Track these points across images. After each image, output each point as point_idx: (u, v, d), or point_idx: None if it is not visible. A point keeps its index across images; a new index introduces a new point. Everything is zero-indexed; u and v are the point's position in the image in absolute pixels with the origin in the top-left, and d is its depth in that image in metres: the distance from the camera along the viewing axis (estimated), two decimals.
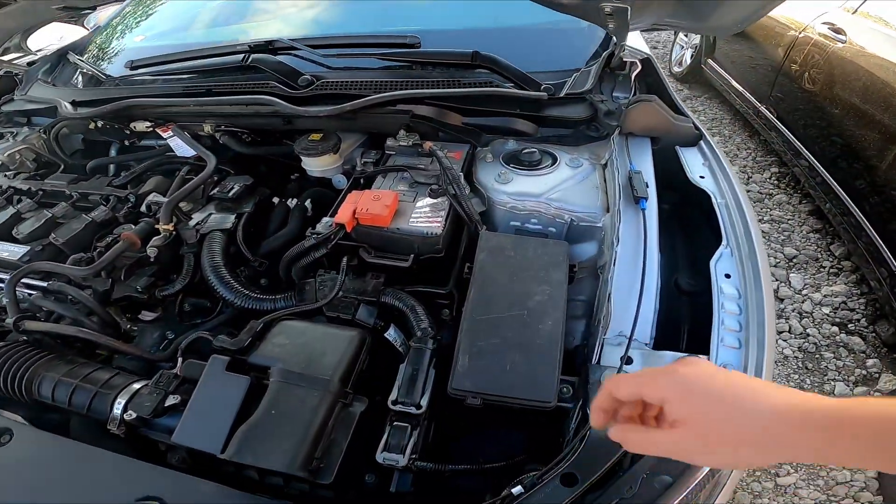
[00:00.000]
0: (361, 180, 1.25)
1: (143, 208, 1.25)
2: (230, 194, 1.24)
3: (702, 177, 1.27)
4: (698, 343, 0.93)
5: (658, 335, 0.91)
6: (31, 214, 1.25)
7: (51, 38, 2.30)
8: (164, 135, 1.48)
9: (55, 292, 1.07)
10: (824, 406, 0.46)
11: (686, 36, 4.79)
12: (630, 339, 0.89)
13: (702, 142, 1.38)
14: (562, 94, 1.39)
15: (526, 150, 1.27)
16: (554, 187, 1.20)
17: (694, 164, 1.31)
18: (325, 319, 1.05)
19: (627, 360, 0.87)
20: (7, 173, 1.48)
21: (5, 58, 1.94)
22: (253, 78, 1.45)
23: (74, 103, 1.57)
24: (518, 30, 1.74)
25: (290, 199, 1.30)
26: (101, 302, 1.07)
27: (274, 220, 1.27)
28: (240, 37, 1.81)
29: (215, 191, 1.26)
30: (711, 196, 1.21)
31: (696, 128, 1.37)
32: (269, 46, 1.45)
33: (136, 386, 0.94)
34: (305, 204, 1.27)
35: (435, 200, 1.15)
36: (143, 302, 1.12)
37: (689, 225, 1.36)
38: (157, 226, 1.14)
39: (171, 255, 1.16)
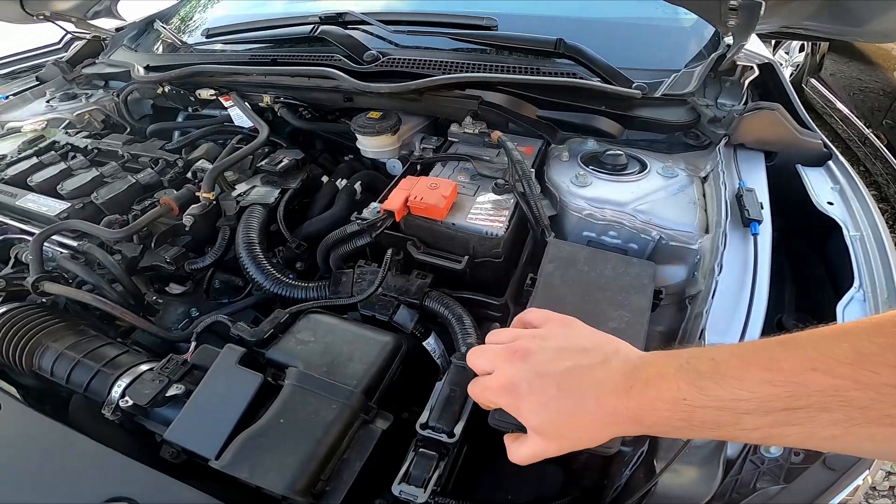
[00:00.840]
0: (418, 166, 1.11)
1: (189, 175, 1.18)
2: (278, 167, 1.14)
3: (830, 203, 1.04)
4: None
5: None
6: (80, 171, 1.22)
7: (142, 5, 2.35)
8: (226, 104, 1.43)
9: (83, 254, 1.01)
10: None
11: (787, 53, 4.35)
12: None
13: (831, 162, 1.14)
14: (658, 94, 1.20)
15: (610, 152, 1.09)
16: (642, 197, 1.01)
17: (820, 188, 1.09)
18: (359, 317, 0.92)
19: None
20: (70, 131, 1.49)
21: (94, 22, 2.00)
22: (319, 51, 1.36)
23: (147, 68, 1.57)
24: (607, 22, 1.56)
25: (339, 180, 1.19)
26: (127, 269, 0.99)
27: (320, 201, 1.16)
28: (313, 10, 1.75)
29: (263, 163, 1.17)
30: (843, 227, 0.98)
31: (826, 146, 1.14)
32: (339, 19, 1.36)
33: (143, 368, 0.84)
34: (355, 186, 1.15)
35: (499, 197, 0.99)
36: (170, 274, 1.04)
37: (798, 258, 1.14)
38: (197, 193, 1.06)
39: (208, 226, 1.08)
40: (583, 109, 1.22)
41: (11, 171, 1.24)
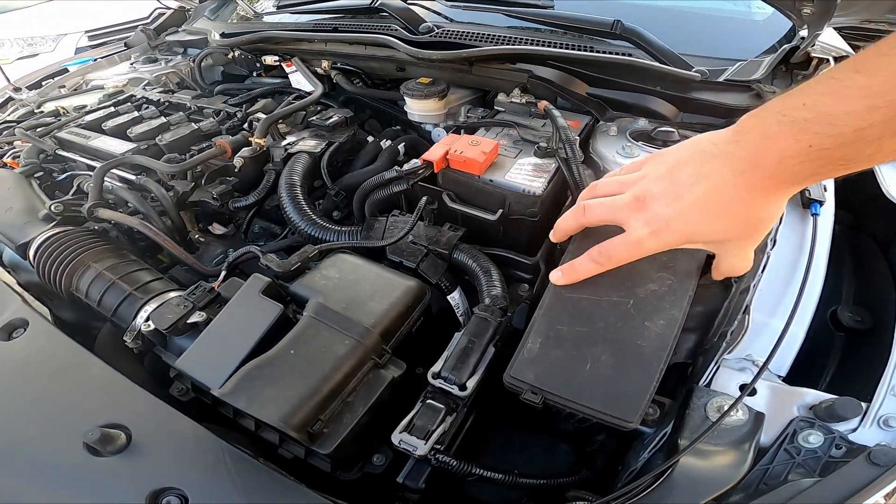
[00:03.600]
0: (462, 131, 1.11)
1: (245, 125, 1.24)
2: (327, 122, 1.18)
3: None
4: (846, 386, 0.77)
5: (792, 369, 0.73)
6: (150, 119, 1.31)
7: None
8: (288, 69, 1.50)
9: (140, 187, 1.08)
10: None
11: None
12: (764, 366, 0.67)
13: None
14: (720, 79, 1.15)
15: (662, 129, 1.04)
16: None
17: (892, 179, 0.99)
18: (387, 264, 0.92)
19: (751, 392, 0.66)
20: (148, 87, 1.61)
21: None
22: (377, 22, 1.41)
23: (223, 35, 1.68)
24: (669, 9, 1.52)
25: (383, 140, 1.22)
26: (177, 203, 1.05)
27: (362, 158, 1.18)
28: None
29: (314, 118, 1.22)
30: None
31: None
32: None
33: (172, 295, 0.86)
34: (398, 147, 1.17)
35: (540, 160, 0.97)
36: (215, 212, 1.09)
37: (862, 255, 1.06)
38: (250, 138, 1.11)
39: (256, 170, 1.12)
40: (637, 89, 1.17)
41: (89, 118, 1.34)
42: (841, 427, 0.65)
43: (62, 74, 1.81)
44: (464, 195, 0.95)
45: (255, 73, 1.65)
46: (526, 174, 0.93)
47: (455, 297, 0.88)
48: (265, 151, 1.13)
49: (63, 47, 3.53)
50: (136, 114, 1.34)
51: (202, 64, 1.75)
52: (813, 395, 0.68)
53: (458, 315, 0.89)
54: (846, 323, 0.90)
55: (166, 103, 1.43)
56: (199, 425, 0.68)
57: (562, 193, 0.97)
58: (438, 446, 0.74)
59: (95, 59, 1.92)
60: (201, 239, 1.09)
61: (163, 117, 1.31)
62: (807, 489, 0.60)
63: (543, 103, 1.07)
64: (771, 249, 0.79)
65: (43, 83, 1.76)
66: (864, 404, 0.66)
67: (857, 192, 1.05)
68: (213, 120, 1.27)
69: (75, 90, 1.71)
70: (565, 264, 0.68)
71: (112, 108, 1.39)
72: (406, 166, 0.96)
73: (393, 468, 0.77)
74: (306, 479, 0.77)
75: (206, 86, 1.74)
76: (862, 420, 0.64)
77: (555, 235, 0.74)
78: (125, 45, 2.04)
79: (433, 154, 0.94)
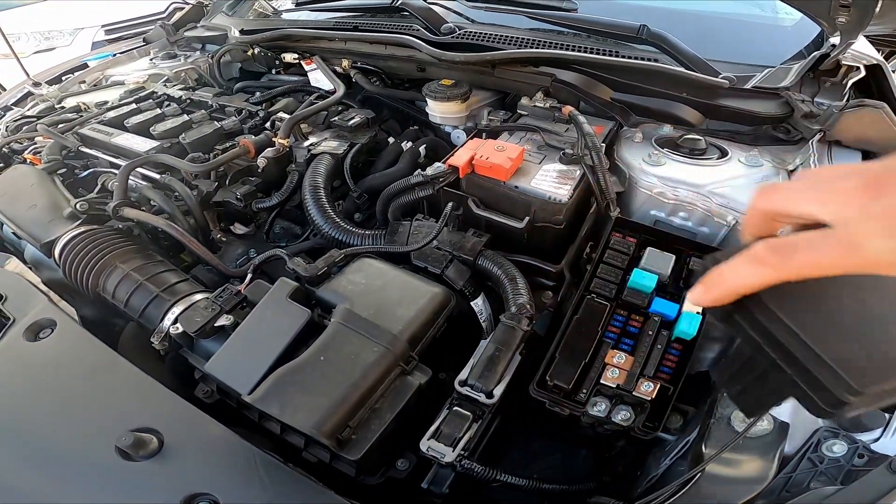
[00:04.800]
0: (484, 135, 1.11)
1: (267, 125, 1.24)
2: (349, 123, 1.18)
3: None
4: None
5: None
6: (172, 117, 1.31)
7: None
8: (307, 67, 1.50)
9: (164, 186, 1.08)
10: None
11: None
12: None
13: None
14: (748, 86, 1.13)
15: (688, 137, 1.03)
16: (720, 182, 0.95)
17: None
18: (410, 269, 0.92)
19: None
20: (168, 84, 1.61)
21: None
22: (398, 21, 1.40)
23: (242, 31, 1.67)
24: (697, 15, 1.49)
25: (405, 142, 1.21)
26: (201, 202, 1.05)
27: (384, 158, 1.18)
28: None
29: (336, 119, 1.21)
30: None
31: None
32: None
33: (198, 297, 0.87)
34: (420, 149, 1.17)
35: (565, 167, 0.96)
36: (237, 212, 1.09)
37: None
38: (273, 139, 1.11)
39: (279, 170, 1.12)
40: (662, 95, 1.16)
41: (111, 114, 1.34)
42: (864, 437, 0.65)
43: (82, 70, 1.82)
44: (489, 201, 0.94)
45: (273, 71, 1.65)
46: (551, 181, 0.93)
47: (479, 304, 0.87)
48: (288, 152, 1.13)
49: (80, 41, 3.54)
50: (158, 111, 1.34)
51: (221, 60, 1.75)
52: None
53: (481, 321, 0.89)
54: None
55: (188, 100, 1.43)
56: (230, 429, 0.69)
57: (587, 201, 0.96)
58: (464, 452, 0.74)
59: (115, 55, 1.93)
60: (223, 239, 1.09)
61: (185, 115, 1.31)
62: (829, 496, 0.61)
63: (568, 108, 1.06)
64: None
65: (63, 78, 1.76)
66: (887, 415, 0.66)
67: None
68: (235, 119, 1.27)
69: (95, 86, 1.71)
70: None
71: (134, 105, 1.39)
72: (430, 171, 0.96)
73: (416, 473, 0.77)
74: (330, 482, 0.78)
75: (225, 82, 1.74)
76: (885, 430, 0.65)
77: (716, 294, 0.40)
78: (143, 40, 2.04)
79: (459, 159, 0.93)
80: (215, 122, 1.25)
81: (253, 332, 0.79)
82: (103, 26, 3.58)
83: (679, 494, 0.61)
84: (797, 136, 1.10)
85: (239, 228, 1.13)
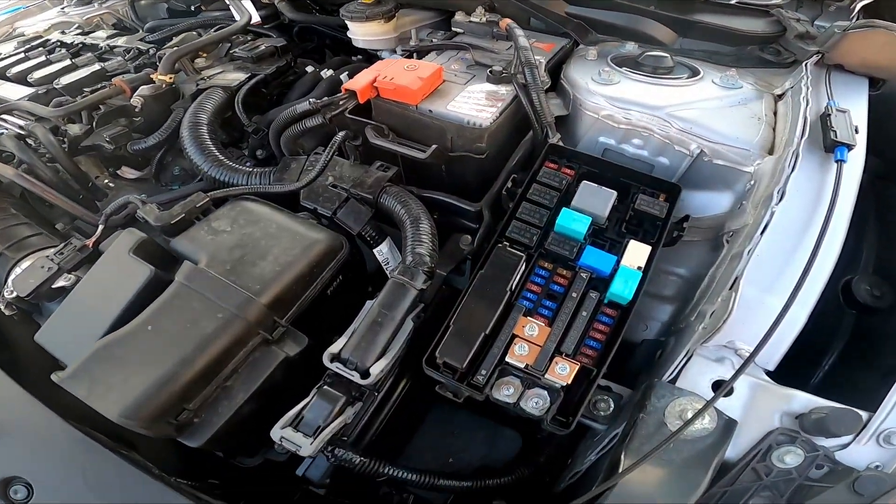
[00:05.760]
0: (414, 55, 0.92)
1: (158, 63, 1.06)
2: (252, 53, 0.99)
3: None
4: (847, 380, 0.66)
5: (782, 360, 0.58)
6: (57, 63, 1.14)
7: None
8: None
9: (29, 133, 0.91)
10: None
11: None
12: (749, 360, 0.51)
13: None
14: (731, 0, 0.94)
15: (651, 53, 0.84)
16: (685, 104, 0.76)
17: None
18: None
19: (727, 392, 0.51)
20: (67, 30, 1.43)
21: None
22: None
23: None
24: None
25: (325, 70, 1.02)
26: (70, 149, 0.89)
27: (298, 89, 1.00)
28: None
29: (238, 49, 1.03)
30: None
31: None
32: None
33: (52, 252, 0.71)
34: (341, 77, 0.98)
35: (495, 87, 0.78)
36: (122, 156, 0.93)
37: (890, 211, 0.87)
38: (152, 75, 0.95)
39: (163, 109, 0.97)
40: (627, 9, 0.96)
41: None
42: (829, 443, 0.50)
43: None
44: (399, 128, 0.77)
45: (193, 8, 1.45)
46: (475, 103, 0.74)
47: (383, 251, 0.71)
48: (172, 89, 0.97)
49: None
50: (43, 58, 1.17)
51: (142, 3, 1.55)
52: (802, 401, 0.53)
53: (387, 272, 0.72)
54: (861, 298, 0.72)
55: (80, 45, 1.26)
56: (54, 413, 0.58)
57: (520, 127, 0.78)
58: (344, 439, 0.59)
59: (27, 7, 1.74)
60: (110, 184, 0.94)
61: (69, 59, 1.14)
62: None
63: (506, 21, 0.86)
64: (777, 204, 0.61)
65: None
66: (864, 414, 0.51)
67: (890, 136, 0.85)
68: (121, 59, 1.09)
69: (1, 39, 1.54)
70: None
71: (22, 55, 1.22)
72: (327, 98, 0.77)
73: (294, 459, 0.64)
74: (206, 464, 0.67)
75: (140, 24, 1.54)
76: (858, 434, 0.50)
77: None
78: None
79: (357, 82, 0.76)
80: (97, 64, 1.07)
81: (88, 295, 0.64)
82: None
83: None
84: (789, 59, 0.92)
85: (129, 173, 0.98)
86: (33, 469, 0.55)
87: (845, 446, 0.50)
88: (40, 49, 1.25)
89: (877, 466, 0.49)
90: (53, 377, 0.55)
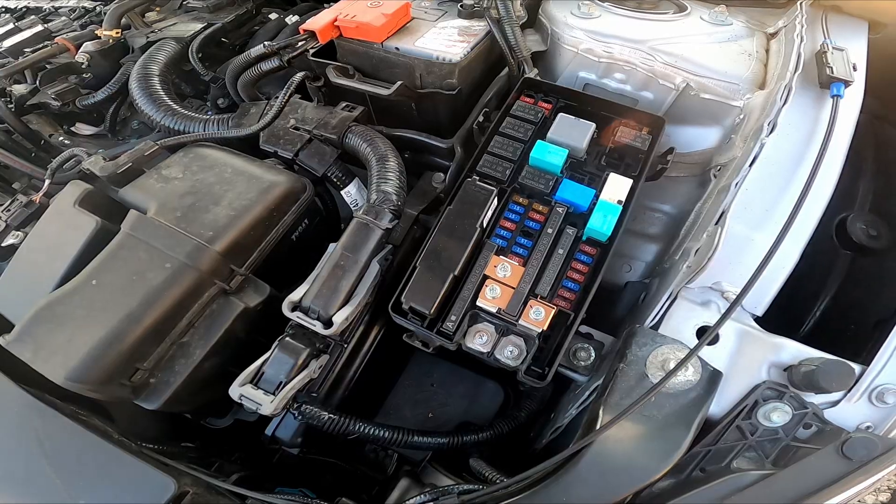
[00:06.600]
0: None
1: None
2: (208, 3, 0.93)
3: None
4: (840, 327, 0.62)
5: (771, 306, 0.53)
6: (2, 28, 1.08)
7: None
8: None
9: None
10: None
11: None
12: (734, 304, 0.47)
13: None
14: None
15: None
16: (671, 38, 0.71)
17: None
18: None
19: (713, 339, 0.47)
20: None
21: None
22: None
23: None
24: None
25: (290, 17, 0.96)
26: (17, 108, 0.85)
27: (260, 37, 0.94)
28: None
29: (193, 0, 0.96)
30: None
31: None
32: None
33: None
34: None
35: (467, 23, 0.72)
36: (74, 113, 0.88)
37: (889, 149, 0.83)
38: (97, 31, 0.90)
39: (111, 64, 0.92)
40: None
41: None
42: (818, 399, 0.47)
43: None
44: (365, 68, 0.72)
45: None
46: (445, 39, 0.69)
47: (351, 192, 0.66)
48: (120, 44, 0.92)
49: None
50: None
51: None
52: (792, 351, 0.49)
53: (355, 216, 0.68)
54: (856, 237, 0.69)
55: (24, 9, 1.19)
56: (7, 378, 0.54)
57: (492, 66, 0.73)
58: (314, 395, 0.56)
59: None
60: (66, 142, 0.90)
61: (14, 24, 1.07)
62: (750, 485, 0.43)
63: None
64: (767, 136, 0.56)
65: None
66: (857, 367, 0.47)
67: (892, 79, 0.80)
68: (65, 19, 1.04)
69: None
70: None
71: None
72: (284, 40, 0.72)
73: (263, 420, 0.60)
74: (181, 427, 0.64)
75: None
76: (850, 391, 0.47)
77: None
78: None
79: (317, 22, 0.70)
80: (40, 25, 1.01)
81: (35, 251, 0.60)
82: None
83: (551, 480, 0.44)
84: None
85: (83, 129, 0.94)
86: None
87: (835, 404, 0.47)
88: None
89: (868, 427, 0.46)
90: (0, 340, 0.51)
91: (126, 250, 0.54)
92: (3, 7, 1.25)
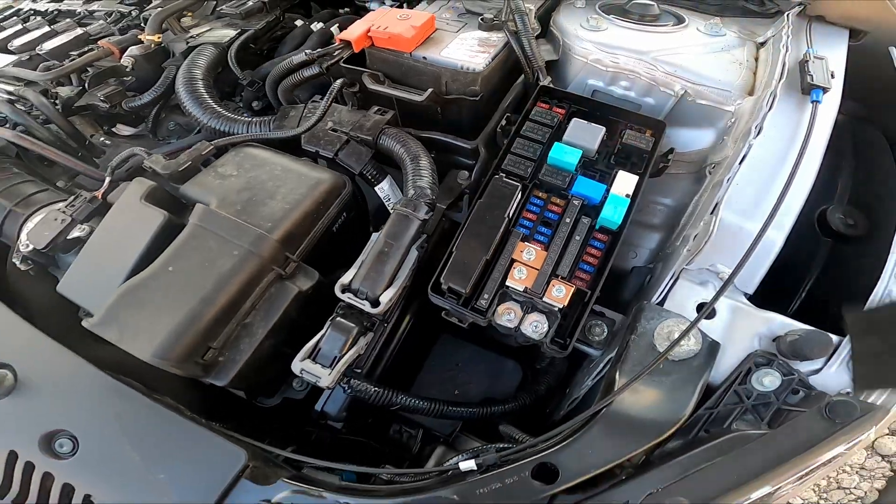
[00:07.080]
0: (404, 5, 0.93)
1: (143, 24, 1.06)
2: (240, 9, 0.99)
3: None
4: (823, 304, 0.67)
5: (761, 286, 0.62)
6: (35, 30, 1.13)
7: None
8: None
9: (20, 98, 0.91)
10: None
11: None
12: (728, 281, 0.55)
13: None
14: None
15: (637, 2, 0.87)
16: (671, 49, 0.79)
17: None
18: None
19: (709, 314, 0.55)
20: None
21: None
22: None
23: None
24: None
25: (315, 24, 1.03)
26: (64, 110, 0.90)
27: (289, 43, 1.01)
28: None
29: (225, 7, 1.03)
30: None
31: None
32: None
33: (61, 206, 0.72)
34: (331, 29, 0.99)
35: (486, 34, 0.80)
36: (116, 114, 0.94)
37: (867, 147, 0.92)
38: (140, 36, 0.97)
39: (154, 68, 0.98)
40: None
41: None
42: (804, 367, 0.55)
43: None
44: (395, 75, 0.79)
45: None
46: (468, 49, 0.77)
47: (384, 188, 0.74)
48: (162, 48, 0.98)
49: None
50: (19, 26, 1.16)
51: None
52: (780, 323, 0.57)
53: (389, 209, 0.75)
54: (835, 226, 0.76)
55: (55, 12, 1.24)
56: (87, 362, 0.59)
57: (512, 71, 0.81)
58: (358, 370, 0.63)
59: None
60: (107, 142, 0.95)
61: (48, 25, 1.13)
62: (750, 443, 0.51)
63: None
64: (754, 138, 0.64)
65: None
66: (836, 338, 0.55)
67: (869, 83, 0.88)
68: (103, 22, 1.09)
69: None
70: None
71: None
72: (322, 49, 0.79)
73: (312, 396, 0.68)
74: (227, 405, 0.69)
75: None
76: (829, 359, 0.54)
77: None
78: None
79: (352, 32, 0.77)
80: (80, 30, 1.07)
81: (105, 243, 0.66)
82: None
83: (577, 436, 0.51)
84: (772, 9, 0.95)
85: (124, 130, 0.99)
86: (73, 420, 0.55)
87: (818, 371, 0.54)
88: (14, 18, 1.23)
89: (847, 392, 0.53)
90: (84, 324, 0.57)
91: (197, 240, 0.61)
92: (31, 9, 1.30)
